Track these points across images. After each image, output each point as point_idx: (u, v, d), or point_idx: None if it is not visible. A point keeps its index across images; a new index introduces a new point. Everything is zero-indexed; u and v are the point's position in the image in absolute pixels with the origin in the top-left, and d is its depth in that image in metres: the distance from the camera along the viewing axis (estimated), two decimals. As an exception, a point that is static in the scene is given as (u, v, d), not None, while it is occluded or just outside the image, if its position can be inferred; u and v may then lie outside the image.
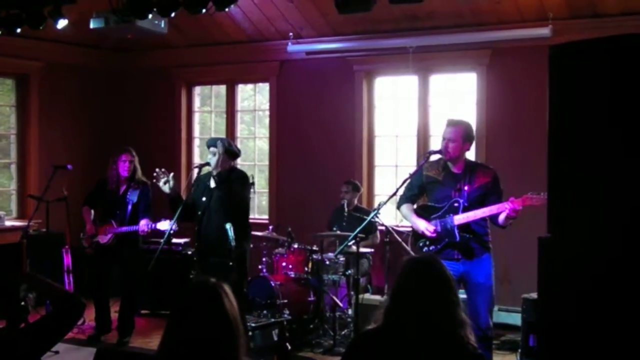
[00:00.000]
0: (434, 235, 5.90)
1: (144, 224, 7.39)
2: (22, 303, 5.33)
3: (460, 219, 5.84)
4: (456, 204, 5.88)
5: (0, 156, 9.95)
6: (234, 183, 6.62)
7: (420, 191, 6.22)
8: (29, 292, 7.30)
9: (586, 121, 3.42)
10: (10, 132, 9.96)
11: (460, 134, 5.92)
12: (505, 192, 5.97)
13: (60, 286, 3.45)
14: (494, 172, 6.02)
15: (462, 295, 5.47)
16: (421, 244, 6.04)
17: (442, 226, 5.90)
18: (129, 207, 7.58)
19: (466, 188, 5.91)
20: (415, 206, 6.24)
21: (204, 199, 6.63)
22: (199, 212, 6.64)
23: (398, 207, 6.36)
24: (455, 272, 5.63)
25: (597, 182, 3.36)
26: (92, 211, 7.80)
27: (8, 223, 9.01)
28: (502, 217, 5.78)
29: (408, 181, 6.15)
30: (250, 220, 9.35)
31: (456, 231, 5.85)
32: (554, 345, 3.56)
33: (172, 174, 6.57)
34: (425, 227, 5.92)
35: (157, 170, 6.53)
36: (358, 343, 3.34)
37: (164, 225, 7.18)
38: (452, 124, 6.00)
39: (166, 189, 6.54)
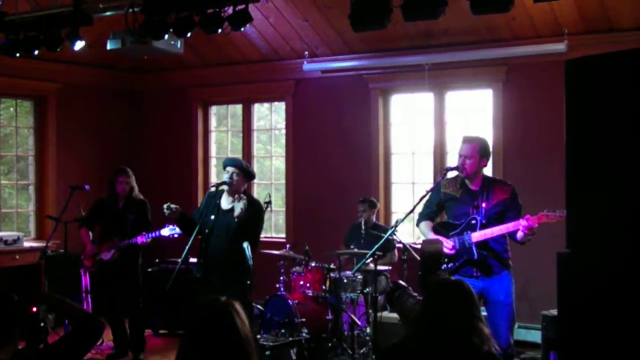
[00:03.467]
0: (452, 251, 5.89)
1: (141, 237, 7.54)
2: (42, 324, 5.34)
3: (477, 236, 5.83)
4: (474, 221, 5.87)
5: (18, 177, 10.01)
6: (251, 214, 6.54)
7: (439, 208, 6.22)
8: (48, 312, 7.33)
9: (603, 135, 3.40)
10: (29, 153, 10.03)
11: (477, 150, 5.92)
12: (523, 208, 5.95)
13: (79, 306, 3.46)
14: (511, 188, 6.00)
15: (483, 312, 5.44)
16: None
17: (460, 243, 5.89)
18: (129, 222, 7.67)
19: (484, 205, 5.90)
20: (434, 223, 6.24)
21: (212, 217, 6.60)
22: (206, 230, 6.62)
23: (417, 224, 6.36)
24: (474, 289, 5.58)
25: (616, 196, 3.33)
26: (90, 233, 7.89)
27: (26, 244, 9.03)
28: (519, 234, 5.77)
29: (426, 198, 6.15)
30: (268, 240, 9.41)
31: (474, 248, 5.83)
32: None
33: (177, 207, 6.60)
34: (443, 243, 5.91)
35: (166, 210, 6.53)
36: (387, 357, 3.36)
37: (167, 231, 7.37)
38: (467, 140, 6.00)
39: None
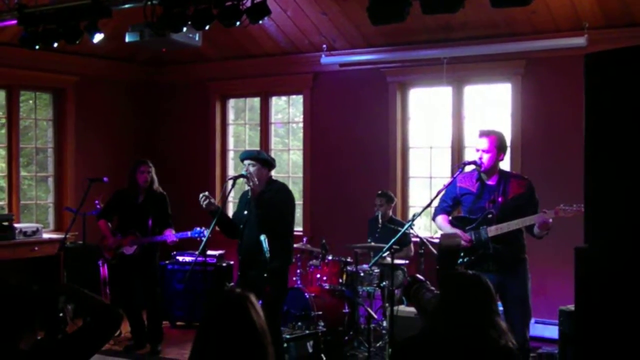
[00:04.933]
0: (469, 245, 5.88)
1: (170, 234, 7.66)
2: (61, 314, 5.36)
3: (494, 230, 5.83)
4: (490, 216, 5.87)
5: (37, 169, 10.07)
6: (275, 197, 6.55)
7: (455, 202, 6.21)
8: (67, 303, 7.39)
9: (623, 130, 3.38)
10: (48, 145, 10.08)
11: (495, 144, 5.90)
12: (541, 203, 5.94)
13: (98, 297, 3.48)
14: (528, 183, 5.99)
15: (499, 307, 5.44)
16: None
17: (476, 237, 5.89)
18: (150, 217, 7.69)
19: (500, 199, 5.90)
20: (450, 217, 6.23)
21: (245, 212, 6.61)
22: (241, 226, 6.61)
23: (433, 219, 6.35)
24: (490, 283, 5.59)
25: (635, 191, 3.32)
26: (109, 224, 7.94)
27: (45, 235, 9.09)
28: (536, 228, 5.77)
29: (443, 192, 6.14)
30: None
31: (490, 243, 5.83)
32: (592, 358, 3.52)
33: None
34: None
35: (202, 200, 6.46)
36: (403, 350, 3.36)
37: (195, 233, 7.52)
38: (485, 134, 5.98)
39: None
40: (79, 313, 5.86)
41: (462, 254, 5.94)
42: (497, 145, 5.92)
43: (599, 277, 3.42)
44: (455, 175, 6.20)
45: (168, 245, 8.00)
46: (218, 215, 6.43)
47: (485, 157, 5.90)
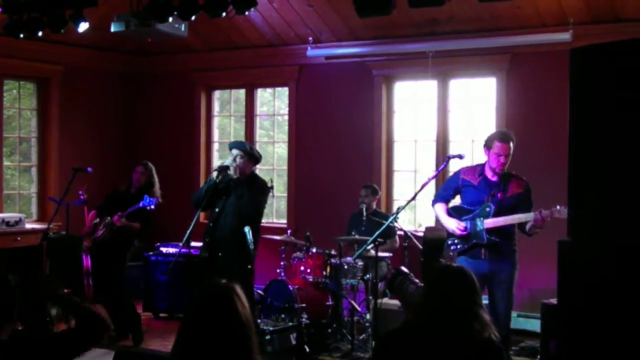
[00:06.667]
0: (464, 233, 6.13)
1: (116, 216, 7.47)
2: (48, 319, 5.35)
3: (490, 222, 6.05)
4: (488, 209, 6.12)
5: (21, 159, 10.00)
6: (254, 190, 6.66)
7: (455, 193, 6.44)
8: (52, 306, 7.35)
9: (607, 124, 3.40)
10: (31, 135, 10.02)
11: (513, 148, 6.12)
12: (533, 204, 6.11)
13: (88, 306, 3.48)
14: (527, 184, 6.23)
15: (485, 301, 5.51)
16: (450, 242, 6.28)
17: (471, 227, 6.13)
18: (132, 208, 7.57)
19: (499, 195, 6.16)
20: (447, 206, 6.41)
21: (223, 197, 6.67)
22: (216, 210, 6.68)
23: (432, 205, 6.52)
24: (481, 269, 5.89)
25: (618, 185, 3.33)
26: (98, 219, 7.88)
27: (28, 225, 9.04)
28: (529, 226, 6.04)
29: (443, 182, 6.32)
30: (269, 225, 9.42)
31: (484, 234, 6.06)
32: (574, 352, 3.54)
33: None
34: (455, 225, 6.15)
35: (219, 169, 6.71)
36: (387, 342, 3.36)
37: (142, 202, 7.37)
38: (511, 139, 6.17)
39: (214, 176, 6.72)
40: (63, 317, 5.86)
41: (455, 241, 6.20)
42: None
43: (582, 270, 3.44)
44: (439, 169, 6.32)
45: (152, 237, 7.96)
46: (213, 184, 6.64)
47: (507, 161, 6.11)
